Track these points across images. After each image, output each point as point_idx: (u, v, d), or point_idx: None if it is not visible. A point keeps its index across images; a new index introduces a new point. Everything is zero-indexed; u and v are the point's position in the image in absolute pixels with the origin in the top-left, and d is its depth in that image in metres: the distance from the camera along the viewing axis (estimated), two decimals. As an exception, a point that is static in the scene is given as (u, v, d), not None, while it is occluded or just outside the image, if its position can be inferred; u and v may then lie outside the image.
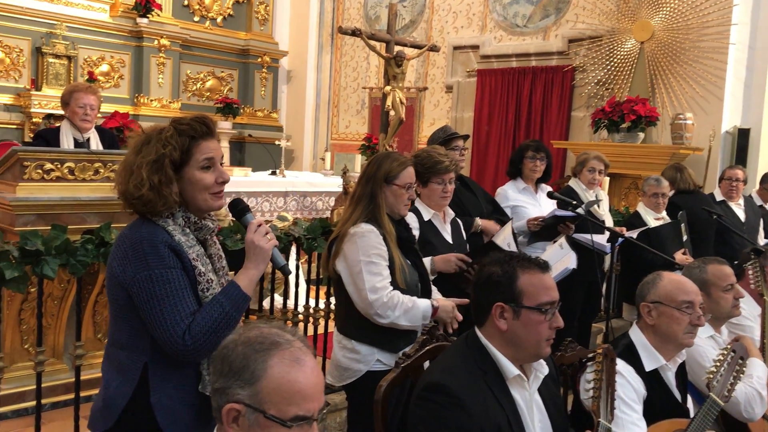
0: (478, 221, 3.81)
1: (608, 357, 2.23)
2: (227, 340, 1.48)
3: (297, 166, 11.54)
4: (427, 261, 3.19)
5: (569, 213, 4.13)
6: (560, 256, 3.55)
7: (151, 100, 10.16)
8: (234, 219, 2.49)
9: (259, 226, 2.03)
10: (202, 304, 1.97)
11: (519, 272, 2.09)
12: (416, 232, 3.23)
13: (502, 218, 4.08)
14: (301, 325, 4.04)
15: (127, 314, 1.97)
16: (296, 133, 11.63)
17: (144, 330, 1.95)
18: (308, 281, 4.23)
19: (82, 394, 3.27)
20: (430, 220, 3.38)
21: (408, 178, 2.90)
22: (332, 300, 4.15)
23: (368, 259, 2.73)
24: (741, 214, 5.82)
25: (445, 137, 4.10)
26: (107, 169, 3.81)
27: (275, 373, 1.40)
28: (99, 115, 4.76)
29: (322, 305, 4.16)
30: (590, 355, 2.38)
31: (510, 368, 2.04)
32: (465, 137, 4.24)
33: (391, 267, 2.78)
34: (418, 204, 3.38)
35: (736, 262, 5.00)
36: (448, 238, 3.42)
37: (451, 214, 3.50)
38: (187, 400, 2.00)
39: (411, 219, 3.26)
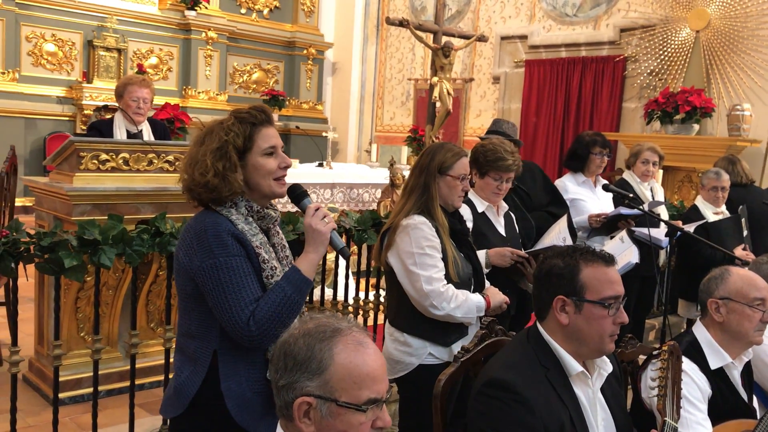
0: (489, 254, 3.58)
1: (674, 354, 2.15)
2: (286, 335, 1.46)
3: (341, 158, 11.56)
4: (481, 254, 3.13)
5: (634, 212, 4.03)
6: (622, 250, 3.45)
7: (199, 93, 10.28)
8: (292, 206, 2.49)
9: (317, 209, 2.05)
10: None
11: (582, 265, 2.02)
12: (470, 224, 3.17)
13: (556, 211, 3.99)
14: (351, 317, 4.03)
15: (195, 304, 2.00)
16: (341, 125, 11.64)
17: (212, 319, 1.98)
18: (357, 273, 4.21)
19: (137, 382, 3.31)
20: (483, 212, 3.32)
21: (462, 169, 2.84)
22: (382, 292, 4.14)
23: (422, 251, 2.69)
24: (803, 208, 5.61)
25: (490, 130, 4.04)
26: (161, 159, 3.84)
27: (342, 360, 1.38)
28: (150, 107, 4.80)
29: (370, 297, 4.15)
30: (655, 353, 2.30)
31: (573, 364, 1.98)
32: (517, 143, 4.11)
33: (444, 259, 2.73)
34: (472, 195, 3.32)
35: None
36: (502, 231, 3.36)
37: (504, 207, 3.44)
38: (256, 387, 2.02)
39: (464, 211, 3.20)
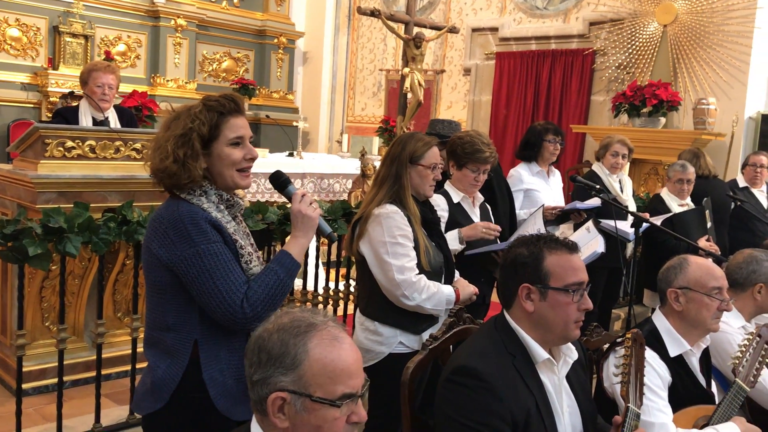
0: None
1: (637, 342, 2.18)
2: (260, 330, 1.46)
3: (312, 148, 11.51)
4: (454, 231, 3.16)
5: (589, 205, 4.09)
6: (588, 240, 3.50)
7: (167, 81, 10.15)
8: (261, 195, 2.48)
9: (303, 196, 2.06)
10: (247, 276, 1.99)
11: (546, 253, 2.05)
12: (444, 214, 3.19)
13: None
14: (321, 307, 4.03)
15: (171, 295, 1.98)
16: (312, 115, 11.58)
17: (191, 309, 1.97)
18: (327, 263, 4.21)
19: (103, 372, 3.28)
20: (459, 203, 3.34)
21: (433, 158, 2.86)
22: (352, 282, 4.15)
23: (394, 240, 2.70)
24: (764, 201, 5.75)
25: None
26: (128, 147, 3.79)
27: (317, 355, 1.38)
28: (117, 95, 4.74)
29: (340, 287, 4.15)
30: (618, 340, 2.34)
31: (539, 352, 2.01)
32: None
33: (416, 248, 2.75)
34: (448, 186, 3.34)
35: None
36: (477, 220, 3.39)
37: (480, 198, 3.47)
38: (238, 375, 2.02)
39: (440, 201, 3.22)
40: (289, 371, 1.37)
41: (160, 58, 10.11)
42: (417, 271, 2.72)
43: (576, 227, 4.21)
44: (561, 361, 2.08)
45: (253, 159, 2.06)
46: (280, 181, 2.14)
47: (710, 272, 2.53)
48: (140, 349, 3.39)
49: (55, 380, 3.37)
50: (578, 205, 4.16)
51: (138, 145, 3.82)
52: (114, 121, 4.43)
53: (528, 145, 4.56)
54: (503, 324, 2.07)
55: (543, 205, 4.10)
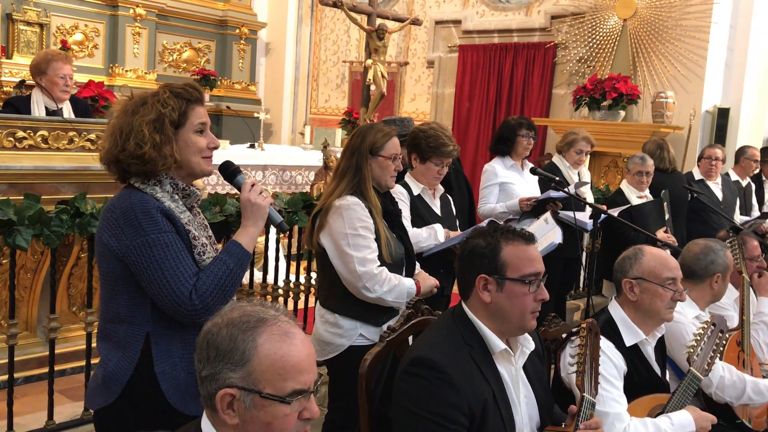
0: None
1: (592, 332, 2.21)
2: (209, 324, 1.42)
3: (275, 140, 11.41)
4: (441, 230, 3.18)
5: (562, 194, 4.13)
6: (546, 231, 3.53)
7: (126, 71, 9.95)
8: (221, 187, 2.45)
9: (253, 185, 2.04)
10: (200, 268, 1.95)
11: (502, 244, 2.05)
12: (405, 206, 3.19)
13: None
14: (281, 299, 3.99)
15: (123, 286, 1.94)
16: (274, 107, 11.47)
17: (143, 300, 1.93)
18: (287, 257, 4.17)
19: (57, 367, 3.20)
20: (419, 195, 3.35)
21: (394, 149, 2.85)
22: (313, 275, 4.12)
23: (355, 232, 2.69)
24: (719, 193, 5.87)
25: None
26: (82, 138, 3.70)
27: (266, 350, 1.35)
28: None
29: (302, 280, 4.12)
30: (574, 330, 2.36)
31: (496, 342, 2.01)
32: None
33: (377, 240, 2.74)
34: (408, 179, 3.34)
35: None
36: (438, 211, 3.40)
37: (440, 189, 3.48)
38: (190, 367, 1.97)
39: (401, 193, 3.22)
40: (238, 367, 1.35)
41: (119, 48, 9.90)
42: (378, 263, 2.71)
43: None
44: (518, 352, 2.09)
45: (215, 147, 2.05)
46: (229, 171, 2.12)
47: (664, 263, 2.56)
48: (95, 343, 3.34)
49: (5, 377, 3.29)
50: (552, 194, 4.20)
51: (92, 136, 3.73)
52: (68, 112, 4.33)
53: (502, 140, 4.59)
54: (461, 315, 2.07)
55: (519, 198, 4.13)
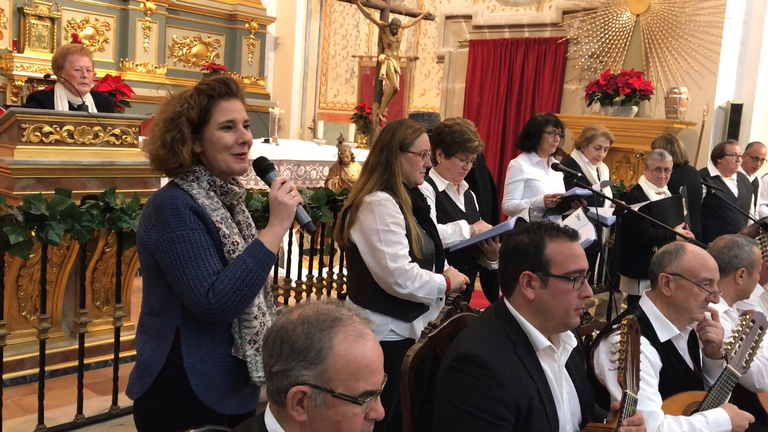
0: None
1: (633, 328, 2.21)
2: (283, 320, 1.42)
3: (284, 134, 11.40)
4: (466, 226, 3.19)
5: (587, 191, 4.13)
6: (579, 227, 3.53)
7: (137, 65, 9.95)
8: (255, 183, 2.45)
9: (283, 183, 2.01)
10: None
11: (546, 240, 2.05)
12: (431, 202, 3.19)
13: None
14: (304, 294, 4.00)
15: (156, 280, 1.96)
16: (283, 101, 11.46)
17: (174, 295, 1.93)
18: (310, 251, 4.18)
19: (85, 361, 3.21)
20: (444, 191, 3.34)
21: (423, 145, 2.84)
22: (335, 270, 4.13)
23: (386, 228, 2.68)
24: (734, 189, 5.87)
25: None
26: (107, 132, 3.71)
27: (342, 351, 1.36)
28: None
29: (318, 275, 4.12)
30: (614, 327, 2.36)
31: (540, 339, 2.01)
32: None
33: (408, 236, 2.74)
34: (433, 174, 3.33)
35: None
36: (462, 208, 3.39)
37: (465, 185, 3.47)
38: (220, 365, 1.99)
39: (426, 189, 3.22)
40: (313, 365, 1.35)
41: (129, 42, 9.90)
42: (410, 259, 2.71)
43: (564, 216, 4.25)
44: (561, 349, 2.09)
45: (246, 143, 2.02)
46: (262, 166, 2.09)
47: (704, 263, 2.55)
48: (123, 338, 3.36)
49: (33, 371, 3.30)
50: (578, 191, 4.20)
51: (117, 131, 3.73)
52: (91, 106, 4.33)
53: (528, 136, 4.59)
54: (504, 311, 2.07)
55: (544, 195, 4.12)
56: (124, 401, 3.10)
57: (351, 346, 1.37)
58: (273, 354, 1.39)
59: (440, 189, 3.35)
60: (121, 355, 3.30)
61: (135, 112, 7.14)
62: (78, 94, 4.21)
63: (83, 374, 3.17)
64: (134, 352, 2.09)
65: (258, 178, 2.26)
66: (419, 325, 2.80)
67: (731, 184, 5.89)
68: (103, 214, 3.02)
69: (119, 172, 3.65)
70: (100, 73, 8.39)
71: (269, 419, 1.43)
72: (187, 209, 1.90)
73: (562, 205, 4.29)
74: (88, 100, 4.31)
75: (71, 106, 4.21)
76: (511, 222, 3.32)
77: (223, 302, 1.87)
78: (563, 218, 4.21)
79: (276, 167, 2.15)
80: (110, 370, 3.38)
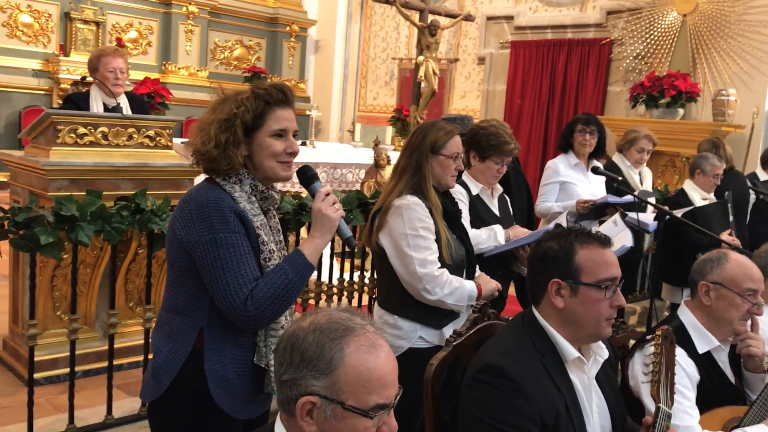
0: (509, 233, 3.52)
1: (668, 339, 2.10)
2: (294, 327, 1.37)
3: (323, 137, 11.44)
4: (501, 231, 3.11)
5: (622, 200, 4.00)
6: (616, 233, 3.42)
7: (179, 68, 10.10)
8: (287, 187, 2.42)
9: (327, 195, 1.99)
10: (264, 273, 1.92)
11: (577, 247, 1.97)
12: (464, 206, 3.11)
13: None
14: (335, 298, 3.96)
15: (186, 278, 1.94)
16: (323, 104, 11.50)
17: (202, 294, 1.91)
18: (342, 254, 4.14)
19: (115, 362, 3.23)
20: (478, 195, 3.26)
21: (455, 147, 2.78)
22: (366, 273, 4.08)
23: (415, 233, 2.62)
24: (786, 195, 5.63)
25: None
26: (141, 134, 3.73)
27: (353, 361, 1.30)
28: (128, 81, 4.67)
29: (355, 278, 4.07)
30: (648, 338, 2.26)
31: (569, 350, 1.93)
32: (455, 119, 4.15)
33: (438, 241, 2.67)
34: (466, 178, 3.26)
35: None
36: (496, 212, 3.31)
37: (499, 189, 3.39)
38: (241, 370, 1.96)
39: (461, 190, 3.15)
40: (323, 376, 1.30)
41: (172, 46, 10.06)
42: (439, 265, 2.64)
43: (600, 221, 4.12)
44: (591, 360, 2.00)
45: (293, 153, 2.01)
46: (307, 176, 2.07)
47: (748, 272, 2.42)
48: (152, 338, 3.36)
49: (66, 370, 3.32)
50: (610, 199, 4.06)
51: (151, 133, 3.75)
52: (125, 108, 4.37)
53: (563, 136, 4.50)
54: (531, 321, 1.99)
55: (576, 200, 4.02)
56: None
57: (363, 357, 1.31)
58: (283, 362, 1.35)
59: (474, 193, 3.28)
60: (150, 356, 3.30)
61: (173, 114, 7.23)
62: (112, 96, 4.25)
63: (113, 375, 3.18)
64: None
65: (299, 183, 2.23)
66: (449, 332, 2.72)
67: (781, 189, 5.67)
68: (133, 215, 3.03)
69: (152, 173, 3.67)
70: (142, 75, 8.54)
71: (279, 428, 1.39)
72: (231, 212, 1.89)
73: (598, 211, 4.16)
74: (123, 102, 4.35)
75: (106, 108, 4.25)
76: (550, 227, 3.23)
77: (260, 310, 1.85)
78: (600, 224, 4.08)
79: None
80: (141, 371, 3.39)
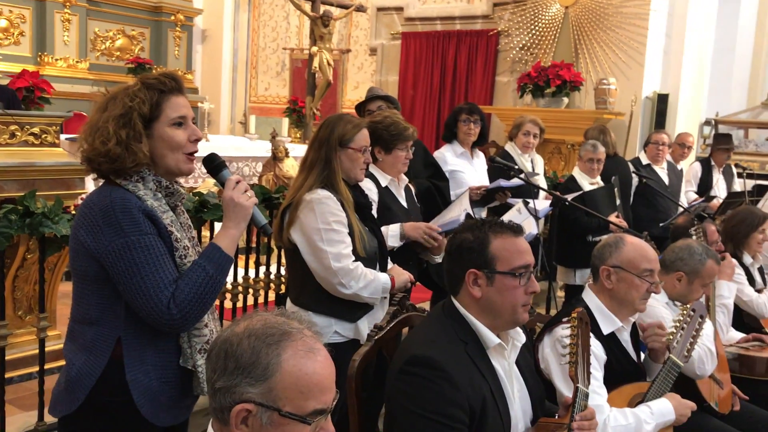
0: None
1: (583, 321, 2.19)
2: (228, 333, 1.32)
3: (214, 129, 11.13)
4: (396, 227, 3.09)
5: (513, 183, 4.12)
6: (520, 221, 3.51)
7: (56, 60, 9.50)
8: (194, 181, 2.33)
9: (238, 182, 1.91)
10: (180, 272, 1.83)
11: (491, 237, 2.01)
12: (375, 197, 3.11)
13: (439, 183, 4.03)
14: (241, 296, 3.87)
15: (96, 287, 1.82)
16: (212, 96, 11.18)
17: (116, 302, 1.81)
18: (246, 250, 4.04)
19: (6, 375, 3.01)
20: (387, 186, 3.27)
21: (363, 140, 2.77)
22: (272, 269, 4.01)
23: (328, 227, 2.59)
24: (665, 178, 6.01)
25: (368, 97, 4.06)
26: (25, 132, 3.49)
27: (290, 367, 1.26)
28: (3, 74, 4.35)
29: (253, 274, 4.00)
30: (565, 319, 2.34)
31: (490, 337, 1.97)
32: (387, 98, 4.16)
33: (351, 234, 2.66)
34: (374, 170, 3.26)
35: (661, 224, 5.17)
36: (404, 203, 3.33)
37: (405, 179, 3.41)
38: (165, 377, 1.87)
39: (370, 184, 3.14)
40: (259, 382, 1.25)
41: (48, 35, 9.43)
42: (353, 258, 2.63)
43: (503, 207, 4.22)
44: (510, 346, 2.06)
45: (198, 140, 1.93)
46: (214, 164, 1.98)
47: (644, 254, 2.56)
48: (49, 348, 3.16)
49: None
50: (502, 183, 4.18)
51: (36, 130, 3.51)
52: (-1, 104, 4.06)
53: (447, 126, 4.57)
54: (452, 310, 2.02)
55: (468, 187, 4.09)
56: (51, 416, 2.92)
57: (300, 363, 1.27)
58: (216, 369, 1.29)
59: (383, 185, 3.28)
60: (46, 366, 3.10)
61: (56, 108, 6.81)
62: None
63: (4, 389, 2.96)
64: (61, 363, 1.95)
65: (205, 175, 2.14)
66: (363, 325, 2.73)
67: (662, 172, 6.04)
68: (22, 219, 2.82)
69: (39, 173, 3.45)
70: (17, 68, 7.99)
71: None
72: (139, 212, 1.79)
73: (487, 198, 4.27)
74: (-4, 96, 4.05)
75: (-21, 104, 3.95)
76: (461, 217, 3.29)
77: (185, 312, 1.78)
78: (488, 210, 4.19)
79: (197, 164, 2.03)
80: (35, 383, 3.18)
